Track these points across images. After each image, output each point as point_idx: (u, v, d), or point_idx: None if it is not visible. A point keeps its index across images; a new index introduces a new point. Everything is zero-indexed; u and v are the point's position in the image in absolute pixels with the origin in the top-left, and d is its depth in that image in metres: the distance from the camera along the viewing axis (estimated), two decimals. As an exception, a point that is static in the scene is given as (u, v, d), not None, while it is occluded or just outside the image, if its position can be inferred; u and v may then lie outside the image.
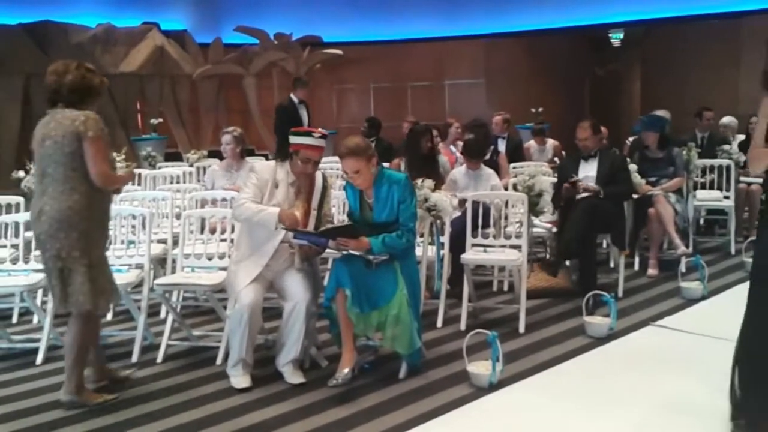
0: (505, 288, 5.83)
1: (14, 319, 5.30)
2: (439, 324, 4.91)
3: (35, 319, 5.13)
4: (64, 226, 3.53)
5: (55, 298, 3.69)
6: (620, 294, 5.50)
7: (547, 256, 6.27)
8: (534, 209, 5.33)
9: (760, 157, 3.00)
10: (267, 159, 9.77)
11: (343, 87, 16.24)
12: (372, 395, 3.82)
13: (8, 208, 5.34)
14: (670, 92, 13.08)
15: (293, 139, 4.07)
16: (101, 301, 3.65)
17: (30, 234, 5.04)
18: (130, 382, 4.05)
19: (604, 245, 6.70)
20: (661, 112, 7.43)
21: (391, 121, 12.00)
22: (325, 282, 4.41)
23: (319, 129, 4.22)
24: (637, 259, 6.39)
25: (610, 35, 15.55)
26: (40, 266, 4.66)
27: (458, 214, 5.41)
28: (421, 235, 4.88)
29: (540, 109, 13.22)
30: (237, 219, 4.18)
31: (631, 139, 8.51)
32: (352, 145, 3.93)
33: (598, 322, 4.67)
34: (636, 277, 6.09)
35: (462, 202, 5.42)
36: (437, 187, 5.15)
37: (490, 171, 6.04)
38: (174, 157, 11.81)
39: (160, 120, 13.29)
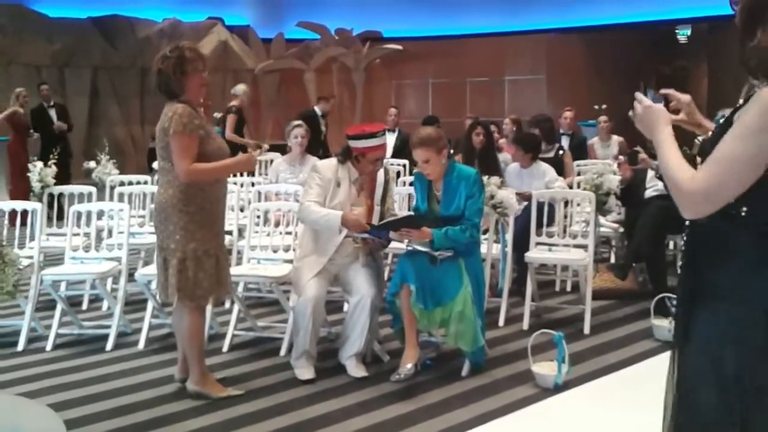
0: (568, 288, 5.73)
1: (84, 306, 5.44)
2: (501, 323, 4.86)
3: (105, 305, 5.26)
4: (162, 218, 3.57)
5: (158, 285, 3.75)
6: (689, 297, 5.34)
7: (613, 258, 6.13)
8: (601, 208, 5.22)
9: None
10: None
11: (401, 82, 16.24)
12: (434, 392, 3.79)
13: (80, 198, 5.48)
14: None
15: (356, 144, 4.04)
16: (196, 293, 3.57)
17: (101, 223, 5.21)
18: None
19: (671, 246, 6.52)
20: (730, 112, 7.17)
21: (449, 116, 11.92)
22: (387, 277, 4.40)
23: (380, 124, 4.25)
24: (705, 262, 6.19)
25: (676, 31, 15.13)
26: (111, 255, 4.83)
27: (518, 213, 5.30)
28: (485, 231, 4.83)
29: (603, 106, 12.95)
30: (302, 222, 4.19)
31: (701, 137, 8.26)
32: (424, 135, 3.96)
33: (666, 325, 4.53)
34: (705, 280, 5.90)
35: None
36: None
37: (545, 166, 5.74)
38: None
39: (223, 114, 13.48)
